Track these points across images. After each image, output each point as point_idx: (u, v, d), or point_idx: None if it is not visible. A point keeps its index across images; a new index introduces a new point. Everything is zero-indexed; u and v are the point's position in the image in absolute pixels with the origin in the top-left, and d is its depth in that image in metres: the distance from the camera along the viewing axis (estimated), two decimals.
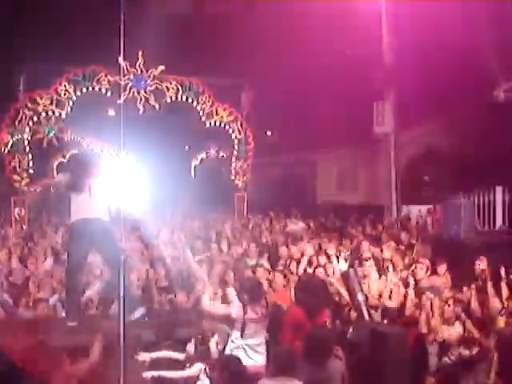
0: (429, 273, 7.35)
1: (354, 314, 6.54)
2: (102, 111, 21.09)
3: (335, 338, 4.83)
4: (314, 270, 8.01)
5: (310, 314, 5.36)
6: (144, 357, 5.35)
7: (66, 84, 14.03)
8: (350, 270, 7.12)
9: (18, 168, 13.88)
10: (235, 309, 5.51)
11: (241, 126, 16.03)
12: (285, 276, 7.82)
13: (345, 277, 6.74)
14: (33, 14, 16.23)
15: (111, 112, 22.84)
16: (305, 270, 8.32)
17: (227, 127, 15.97)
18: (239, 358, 4.74)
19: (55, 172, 23.17)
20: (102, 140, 21.63)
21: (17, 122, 13.79)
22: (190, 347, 5.74)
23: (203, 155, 29.35)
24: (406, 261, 8.98)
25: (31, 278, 7.93)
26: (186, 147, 31.33)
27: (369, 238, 11.21)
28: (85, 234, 6.03)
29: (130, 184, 6.02)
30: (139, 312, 6.39)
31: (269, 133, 29.69)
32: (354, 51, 15.67)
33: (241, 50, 17.90)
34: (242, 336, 5.37)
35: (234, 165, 16.25)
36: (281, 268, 8.51)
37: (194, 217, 17.26)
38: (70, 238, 6.23)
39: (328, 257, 8.80)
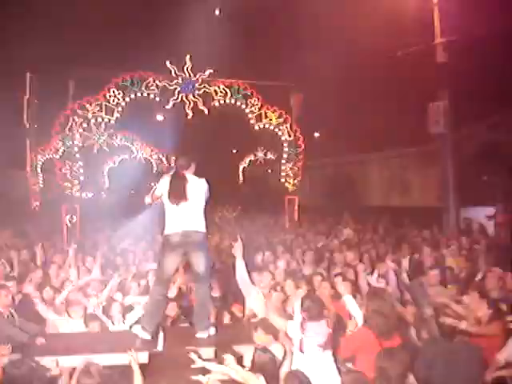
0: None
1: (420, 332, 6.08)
2: (150, 116, 21.21)
3: (409, 360, 4.42)
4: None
5: (381, 337, 4.99)
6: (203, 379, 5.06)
7: (115, 90, 13.98)
8: (414, 281, 6.73)
9: (68, 174, 13.91)
10: (293, 325, 5.22)
11: (290, 128, 15.71)
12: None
13: (411, 289, 6.32)
14: (83, 22, 16.29)
15: (159, 117, 23.00)
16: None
17: (276, 130, 15.66)
18: (305, 375, 4.43)
19: (106, 177, 23.44)
20: (151, 145, 21.74)
21: (67, 129, 13.82)
22: (248, 361, 5.45)
23: (251, 158, 29.25)
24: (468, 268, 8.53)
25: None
26: (234, 150, 31.36)
27: (427, 244, 10.77)
28: (181, 246, 5.85)
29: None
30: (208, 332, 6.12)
31: (317, 134, 29.38)
32: (406, 51, 15.15)
33: (290, 52, 17.63)
34: (300, 352, 5.09)
35: (283, 167, 15.91)
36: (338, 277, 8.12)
37: (243, 222, 17.12)
38: (165, 250, 6.01)
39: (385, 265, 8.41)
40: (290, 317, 5.73)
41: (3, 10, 16.64)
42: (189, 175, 6.03)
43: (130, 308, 7.31)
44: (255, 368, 4.72)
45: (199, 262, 5.97)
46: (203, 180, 6.11)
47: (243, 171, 29.38)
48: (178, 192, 5.89)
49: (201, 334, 6.02)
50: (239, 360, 5.20)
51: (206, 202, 6.04)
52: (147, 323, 6.04)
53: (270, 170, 29.67)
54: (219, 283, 8.02)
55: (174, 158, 21.51)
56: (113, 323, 7.03)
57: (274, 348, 5.24)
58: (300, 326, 5.20)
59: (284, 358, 5.19)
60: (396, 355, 4.34)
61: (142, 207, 20.13)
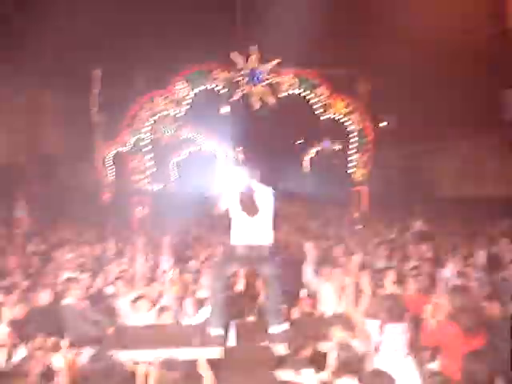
0: None
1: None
2: (216, 109, 21.23)
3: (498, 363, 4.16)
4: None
5: (467, 333, 4.72)
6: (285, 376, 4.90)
7: (182, 83, 14.03)
8: (495, 275, 6.37)
9: (138, 167, 14.08)
10: (372, 324, 5.02)
11: (359, 117, 15.35)
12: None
13: (493, 284, 5.98)
14: (149, 16, 16.39)
15: (226, 108, 23.00)
16: None
17: (345, 119, 15.35)
18: (391, 375, 4.21)
19: (174, 170, 23.71)
20: (217, 137, 21.79)
21: (137, 123, 13.98)
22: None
23: (317, 148, 28.97)
24: None
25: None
26: (299, 141, 31.13)
27: (505, 236, 10.28)
28: (245, 259, 5.77)
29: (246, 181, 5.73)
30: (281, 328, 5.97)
31: (384, 123, 28.72)
32: (480, 35, 14.52)
33: (358, 39, 17.20)
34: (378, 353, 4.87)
35: (351, 158, 15.57)
36: (414, 271, 7.81)
37: (311, 214, 16.91)
38: (226, 257, 5.94)
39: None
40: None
41: (68, 6, 16.93)
42: (255, 184, 5.87)
43: (202, 302, 7.26)
44: (339, 366, 4.51)
45: (266, 272, 5.86)
46: (270, 189, 5.95)
47: (309, 162, 29.18)
48: (249, 205, 5.74)
49: (274, 329, 5.89)
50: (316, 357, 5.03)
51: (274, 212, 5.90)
52: (216, 319, 5.96)
53: (335, 161, 29.32)
54: (287, 278, 7.87)
55: (239, 156, 21.57)
56: (185, 317, 7.00)
57: (354, 345, 5.04)
58: (379, 327, 4.98)
59: (365, 355, 4.97)
60: (484, 357, 4.08)
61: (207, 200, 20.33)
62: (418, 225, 12.69)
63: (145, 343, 5.75)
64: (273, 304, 5.95)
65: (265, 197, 5.79)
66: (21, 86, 21.49)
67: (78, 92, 23.68)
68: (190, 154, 23.49)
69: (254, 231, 5.72)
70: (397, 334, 4.86)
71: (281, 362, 5.36)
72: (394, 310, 4.97)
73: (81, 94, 23.32)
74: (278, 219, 5.96)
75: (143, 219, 13.84)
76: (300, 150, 29.25)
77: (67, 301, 6.72)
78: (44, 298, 6.99)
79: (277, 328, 5.86)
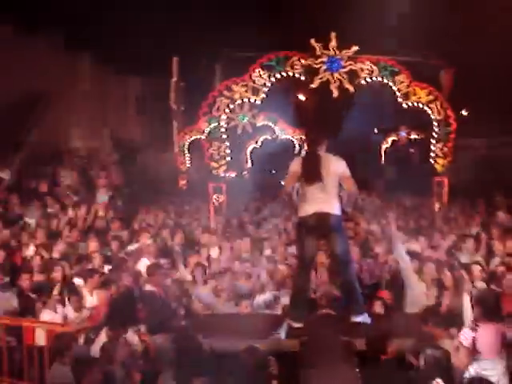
0: None
1: None
2: (293, 96, 21.09)
3: None
4: None
5: None
6: None
7: (260, 70, 13.96)
8: None
9: (215, 155, 14.16)
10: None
11: (441, 106, 14.81)
12: None
13: None
14: (227, 3, 16.41)
15: (302, 97, 22.82)
16: None
17: (426, 108, 14.85)
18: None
19: (249, 158, 23.76)
20: (293, 125, 21.65)
21: (214, 110, 14.04)
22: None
23: (394, 138, 28.29)
24: None
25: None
26: (376, 130, 30.50)
27: None
28: (316, 229, 5.64)
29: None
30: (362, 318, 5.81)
31: (464, 112, 27.72)
32: None
33: (440, 25, 16.61)
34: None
35: (433, 147, 15.07)
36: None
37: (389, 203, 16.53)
38: (300, 233, 5.83)
39: None
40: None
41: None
42: (323, 153, 5.71)
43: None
44: (427, 366, 4.32)
45: (336, 244, 5.67)
46: (338, 158, 5.75)
47: (385, 152, 28.52)
48: (311, 172, 5.60)
49: (356, 318, 5.72)
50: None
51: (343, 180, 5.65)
52: (295, 309, 5.87)
53: (412, 150, 28.57)
54: (369, 271, 7.71)
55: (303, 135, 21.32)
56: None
57: (445, 344, 4.83)
58: (472, 324, 4.74)
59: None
60: None
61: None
62: (501, 216, 12.14)
63: (224, 332, 5.75)
64: (350, 292, 5.77)
65: (332, 165, 5.61)
66: (99, 73, 22.08)
67: (156, 80, 24.14)
68: (265, 141, 23.45)
69: (321, 200, 5.55)
70: (491, 333, 4.60)
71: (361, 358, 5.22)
72: (489, 307, 4.70)
73: (159, 82, 23.76)
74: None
75: (220, 206, 13.91)
76: (377, 138, 28.66)
77: (148, 287, 6.81)
78: (124, 283, 7.13)
79: (358, 317, 5.69)
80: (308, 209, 5.66)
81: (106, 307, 6.82)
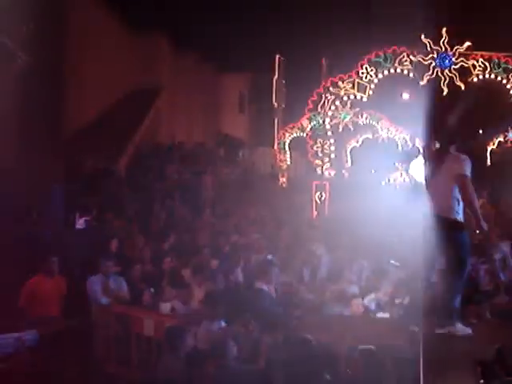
0: None
1: None
2: (398, 94, 20.54)
3: None
4: None
5: None
6: None
7: (368, 66, 13.64)
8: None
9: (319, 152, 13.99)
10: None
11: None
12: None
13: None
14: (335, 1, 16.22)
15: (407, 95, 22.20)
16: None
17: None
18: None
19: (349, 157, 23.42)
20: (397, 124, 21.07)
21: (319, 107, 13.87)
22: None
23: (500, 139, 26.99)
24: None
25: None
26: (480, 130, 29.19)
27: None
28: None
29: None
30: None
31: None
32: None
33: None
34: None
35: None
36: None
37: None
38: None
39: None
40: None
41: None
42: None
43: None
44: None
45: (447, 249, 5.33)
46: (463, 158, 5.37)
47: (491, 153, 27.24)
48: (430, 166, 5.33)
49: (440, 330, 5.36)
50: None
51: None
52: (416, 315, 5.59)
53: None
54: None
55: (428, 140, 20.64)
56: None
57: None
58: None
59: None
60: None
61: (382, 187, 19.77)
62: None
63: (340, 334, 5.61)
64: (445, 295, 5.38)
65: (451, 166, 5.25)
66: (204, 71, 22.49)
67: (258, 77, 24.30)
68: (366, 140, 23.01)
69: (436, 200, 5.25)
70: None
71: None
72: None
73: (262, 80, 23.90)
74: None
75: (323, 205, 13.73)
76: (482, 139, 27.44)
77: (260, 285, 6.75)
78: (236, 278, 7.13)
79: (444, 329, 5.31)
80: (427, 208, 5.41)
81: (215, 301, 6.82)
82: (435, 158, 5.39)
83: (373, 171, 24.64)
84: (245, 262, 7.98)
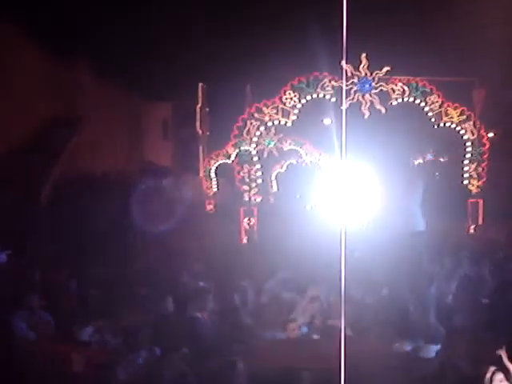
0: None
1: None
2: (320, 119, 20.97)
3: None
4: None
5: None
6: None
7: (291, 92, 13.84)
8: None
9: (246, 178, 14.00)
10: None
11: (473, 126, 14.57)
12: None
13: None
14: (257, 26, 16.45)
15: (328, 120, 22.66)
16: None
17: (458, 128, 14.61)
18: None
19: (274, 182, 23.64)
20: (320, 148, 21.48)
21: (245, 133, 13.92)
22: None
23: (420, 161, 28.06)
24: None
25: None
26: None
27: None
28: None
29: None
30: None
31: (491, 134, 27.42)
32: None
33: (471, 45, 16.47)
34: None
35: (466, 168, 14.80)
36: None
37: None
38: None
39: None
40: None
41: (172, 22, 17.28)
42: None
43: None
44: None
45: None
46: None
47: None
48: None
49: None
50: None
51: None
52: None
53: (437, 174, 28.26)
54: None
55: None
56: None
57: None
58: None
59: None
60: None
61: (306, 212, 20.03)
62: None
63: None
64: None
65: None
66: (126, 99, 22.22)
67: (182, 105, 24.27)
68: (291, 165, 23.33)
69: None
70: None
71: None
72: None
73: (186, 108, 23.89)
74: None
75: (251, 230, 13.72)
76: (404, 161, 28.40)
77: (193, 313, 6.58)
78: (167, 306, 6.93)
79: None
80: None
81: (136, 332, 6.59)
82: None
83: (298, 196, 24.96)
84: (176, 290, 7.78)
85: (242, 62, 17.03)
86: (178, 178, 22.70)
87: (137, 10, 17.32)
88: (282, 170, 23.95)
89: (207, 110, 24.21)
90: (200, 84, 23.64)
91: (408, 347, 5.61)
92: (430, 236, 10.74)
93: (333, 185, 5.81)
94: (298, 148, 21.36)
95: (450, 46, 15.98)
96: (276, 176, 24.29)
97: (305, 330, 6.67)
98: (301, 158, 21.98)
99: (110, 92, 20.82)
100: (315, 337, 6.50)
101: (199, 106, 23.89)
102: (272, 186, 24.20)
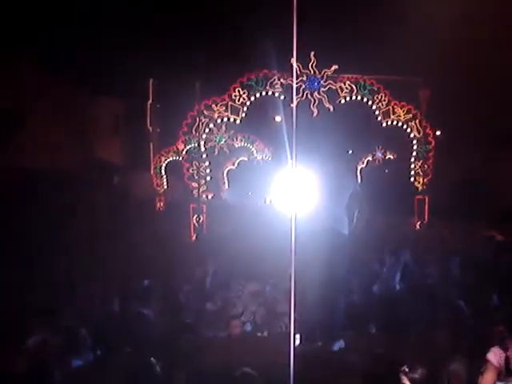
0: None
1: None
2: (270, 116, 21.06)
3: None
4: None
5: None
6: None
7: (240, 89, 13.84)
8: None
9: (195, 175, 13.94)
10: None
11: (420, 124, 14.87)
12: None
13: None
14: (204, 24, 16.40)
15: (279, 117, 22.76)
16: None
17: (405, 126, 14.90)
18: None
19: (226, 180, 23.62)
20: (270, 146, 21.59)
21: (194, 130, 13.85)
22: None
23: (369, 158, 28.42)
24: None
25: None
26: (350, 150, 30.57)
27: None
28: None
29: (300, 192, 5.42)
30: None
31: (438, 132, 28.06)
32: None
33: (418, 47, 16.82)
34: None
35: (412, 166, 15.11)
36: None
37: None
38: None
39: None
40: None
41: (122, 18, 17.09)
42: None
43: None
44: None
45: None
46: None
47: (361, 172, 28.59)
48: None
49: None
50: None
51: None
52: None
53: (386, 170, 28.73)
54: None
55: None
56: None
57: None
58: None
59: None
60: None
61: (259, 208, 20.11)
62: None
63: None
64: None
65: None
66: (75, 93, 21.83)
67: (134, 101, 23.98)
68: (242, 162, 23.37)
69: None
70: None
71: None
72: None
73: (138, 103, 23.61)
74: None
75: (200, 227, 13.67)
76: (353, 158, 28.76)
77: (138, 310, 6.54)
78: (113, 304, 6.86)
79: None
80: None
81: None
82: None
83: (250, 193, 25.05)
84: (122, 288, 7.69)
85: (192, 58, 16.96)
86: (128, 174, 22.48)
87: (87, 5, 17.08)
88: (234, 167, 23.97)
89: (158, 106, 23.97)
90: (151, 80, 23.37)
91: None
92: (373, 233, 11.01)
93: (284, 182, 5.76)
94: (249, 145, 21.41)
95: (396, 46, 16.24)
96: (227, 173, 24.27)
97: (248, 327, 6.68)
98: (252, 155, 22.04)
99: (57, 86, 20.40)
100: (259, 334, 6.52)
101: (150, 102, 23.65)
102: (224, 183, 24.18)
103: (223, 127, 18.47)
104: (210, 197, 22.49)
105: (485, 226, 14.23)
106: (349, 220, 5.69)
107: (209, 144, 16.55)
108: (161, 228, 15.84)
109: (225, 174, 23.81)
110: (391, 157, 27.79)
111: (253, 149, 21.49)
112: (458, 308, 6.59)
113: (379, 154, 28.24)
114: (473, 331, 5.69)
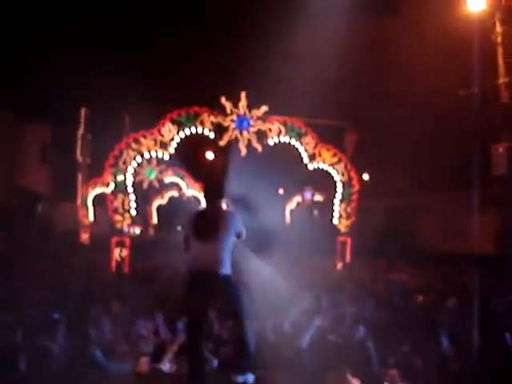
0: None
1: None
2: (201, 153, 21.24)
3: None
4: None
5: None
6: None
7: (170, 125, 13.89)
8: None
9: (120, 208, 13.76)
10: None
11: (345, 167, 15.29)
12: None
13: None
14: (139, 57, 16.47)
15: (210, 154, 22.98)
16: None
17: (330, 169, 15.27)
18: None
19: (154, 214, 23.50)
20: (200, 182, 21.66)
21: (121, 163, 13.73)
22: None
23: (298, 199, 28.88)
24: None
25: None
26: (281, 191, 31.07)
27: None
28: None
29: None
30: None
31: (365, 176, 28.87)
32: (468, 91, 14.69)
33: (343, 90, 17.41)
34: None
35: (337, 208, 15.45)
36: None
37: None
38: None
39: None
40: None
41: (49, 48, 16.98)
42: (219, 209, 5.51)
43: None
44: None
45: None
46: (234, 213, 5.59)
47: (290, 212, 28.99)
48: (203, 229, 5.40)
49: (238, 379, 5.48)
50: None
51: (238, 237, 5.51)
52: None
53: (315, 211, 29.27)
54: None
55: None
56: None
57: None
58: None
59: None
60: None
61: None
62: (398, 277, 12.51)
63: None
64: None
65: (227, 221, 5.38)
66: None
67: (63, 130, 23.59)
68: (171, 198, 23.32)
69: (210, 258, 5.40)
70: None
71: None
72: None
73: (67, 132, 23.25)
74: None
75: (122, 261, 13.44)
76: (282, 199, 29.17)
77: (44, 343, 6.37)
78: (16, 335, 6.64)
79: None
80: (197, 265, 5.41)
81: None
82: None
83: (179, 228, 24.91)
84: (28, 320, 7.46)
85: (123, 91, 16.89)
86: (53, 204, 21.98)
87: (21, 29, 16.87)
88: (164, 202, 23.88)
89: (89, 136, 23.72)
90: (83, 109, 23.15)
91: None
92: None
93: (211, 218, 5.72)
94: (179, 180, 21.43)
95: (322, 91, 16.76)
96: (157, 208, 24.15)
97: (157, 363, 6.58)
98: (181, 190, 22.04)
99: None
100: (166, 371, 6.44)
101: (81, 132, 23.38)
102: (152, 218, 24.03)
103: (153, 161, 18.38)
104: (137, 231, 22.29)
105: (404, 268, 14.69)
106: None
107: (138, 177, 16.47)
108: (82, 260, 15.52)
109: (154, 209, 23.69)
110: (319, 198, 28.34)
111: (183, 184, 21.51)
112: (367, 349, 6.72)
113: (308, 196, 28.69)
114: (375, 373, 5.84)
